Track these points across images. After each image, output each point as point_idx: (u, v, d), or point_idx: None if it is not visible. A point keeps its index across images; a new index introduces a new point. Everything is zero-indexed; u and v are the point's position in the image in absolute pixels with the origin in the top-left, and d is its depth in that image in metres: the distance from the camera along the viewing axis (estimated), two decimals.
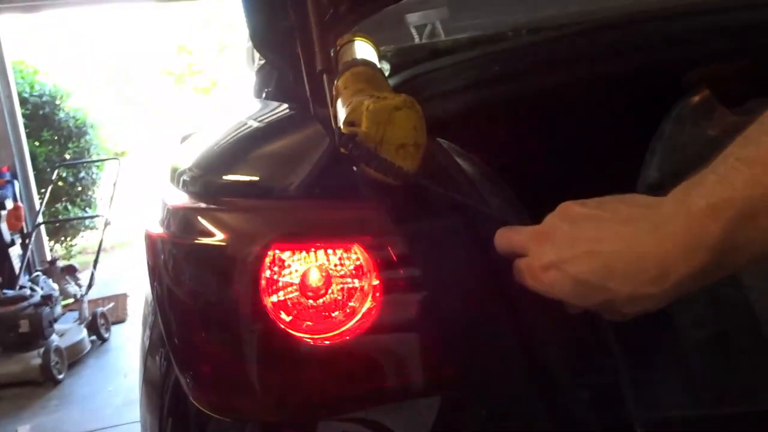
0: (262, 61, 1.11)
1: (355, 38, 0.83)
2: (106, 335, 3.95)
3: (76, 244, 6.88)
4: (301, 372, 0.58)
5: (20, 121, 5.62)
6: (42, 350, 3.23)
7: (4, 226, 4.13)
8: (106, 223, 4.14)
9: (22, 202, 4.68)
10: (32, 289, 3.57)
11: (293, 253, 0.57)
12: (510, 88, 0.86)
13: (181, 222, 0.66)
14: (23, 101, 6.14)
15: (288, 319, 0.57)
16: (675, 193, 0.44)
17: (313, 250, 0.57)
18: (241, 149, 0.72)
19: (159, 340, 0.73)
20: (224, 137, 0.80)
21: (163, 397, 0.70)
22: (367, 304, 0.56)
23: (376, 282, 0.56)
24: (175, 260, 0.65)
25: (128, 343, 3.98)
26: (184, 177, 0.76)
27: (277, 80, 1.04)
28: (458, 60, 0.88)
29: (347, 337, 0.56)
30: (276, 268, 0.56)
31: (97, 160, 6.11)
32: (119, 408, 2.96)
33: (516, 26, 1.00)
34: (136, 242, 9.58)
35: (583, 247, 0.47)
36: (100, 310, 3.94)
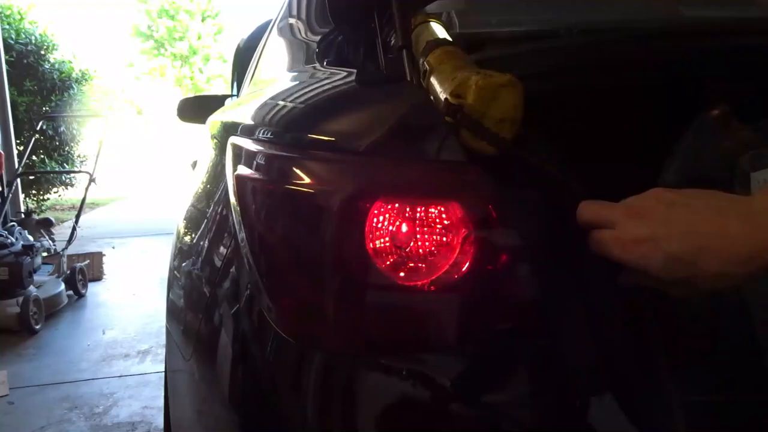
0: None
1: (430, 19, 0.89)
2: (83, 291, 3.94)
3: (48, 199, 6.76)
4: (389, 312, 0.65)
5: (4, 68, 5.48)
6: (21, 299, 3.22)
7: None
8: (92, 180, 4.11)
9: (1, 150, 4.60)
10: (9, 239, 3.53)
11: (396, 206, 0.63)
12: (554, 84, 0.92)
13: (282, 170, 0.72)
14: (7, 48, 5.97)
15: (386, 264, 0.63)
16: (765, 193, 0.53)
17: (413, 204, 0.63)
18: (335, 109, 0.78)
19: (233, 272, 0.79)
20: (309, 96, 0.86)
21: (240, 322, 0.76)
22: (460, 257, 0.63)
23: (468, 238, 0.63)
24: (277, 205, 0.71)
25: (107, 301, 3.98)
26: (271, 131, 0.81)
27: (337, 50, 1.10)
28: (516, 51, 0.94)
29: (437, 286, 0.63)
30: (380, 218, 0.63)
31: (86, 116, 5.98)
32: (97, 362, 2.97)
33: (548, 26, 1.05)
34: (110, 203, 9.45)
35: (679, 228, 0.54)
36: (78, 265, 3.92)
